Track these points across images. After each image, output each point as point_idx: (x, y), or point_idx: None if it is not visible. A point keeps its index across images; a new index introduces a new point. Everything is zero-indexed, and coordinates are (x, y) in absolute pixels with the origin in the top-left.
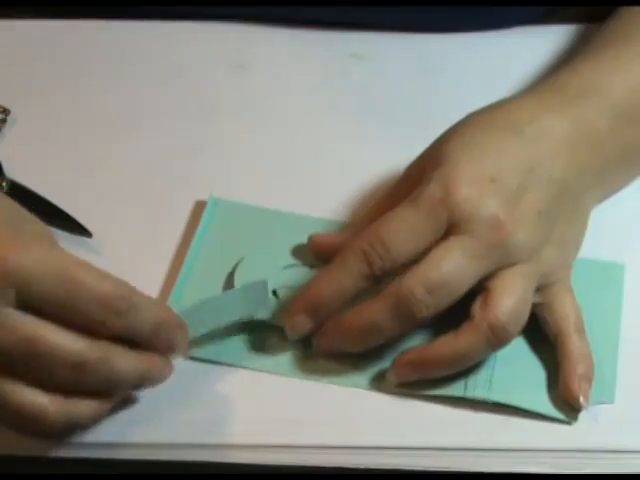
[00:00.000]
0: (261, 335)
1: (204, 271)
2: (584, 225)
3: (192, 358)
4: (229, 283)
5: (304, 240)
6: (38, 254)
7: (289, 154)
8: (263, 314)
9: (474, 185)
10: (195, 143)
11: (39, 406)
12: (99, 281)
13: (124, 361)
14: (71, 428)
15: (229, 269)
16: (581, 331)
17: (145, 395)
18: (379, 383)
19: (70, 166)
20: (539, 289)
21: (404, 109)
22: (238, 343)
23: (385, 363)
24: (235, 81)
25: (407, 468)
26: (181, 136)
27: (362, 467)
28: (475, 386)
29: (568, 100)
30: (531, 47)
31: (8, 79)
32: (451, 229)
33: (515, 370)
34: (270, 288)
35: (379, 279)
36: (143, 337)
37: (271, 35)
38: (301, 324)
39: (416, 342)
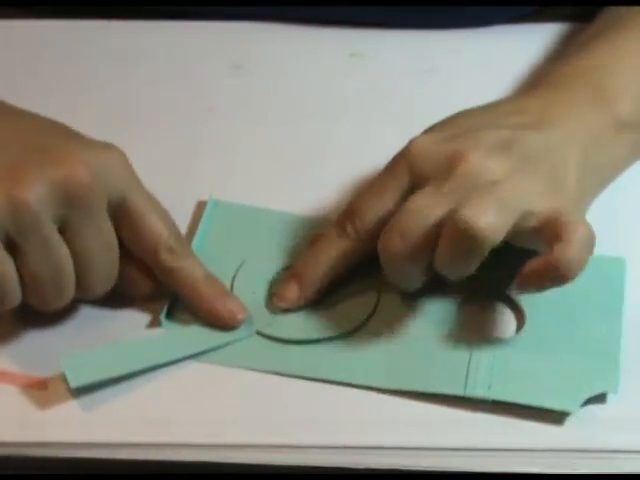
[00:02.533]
0: (261, 336)
1: None
2: (581, 193)
3: (192, 359)
4: (230, 290)
5: (304, 241)
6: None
7: (289, 154)
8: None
9: (433, 139)
10: (195, 143)
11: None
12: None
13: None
14: None
15: (229, 270)
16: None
17: (145, 395)
18: (381, 382)
19: None
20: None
21: (404, 109)
22: (238, 344)
23: (386, 362)
24: (235, 81)
25: (407, 468)
26: (181, 136)
27: (362, 467)
28: (475, 385)
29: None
30: (531, 44)
31: (8, 80)
32: (416, 182)
33: (515, 369)
34: (271, 290)
35: (357, 240)
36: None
37: (271, 35)
38: (289, 291)
39: (414, 333)
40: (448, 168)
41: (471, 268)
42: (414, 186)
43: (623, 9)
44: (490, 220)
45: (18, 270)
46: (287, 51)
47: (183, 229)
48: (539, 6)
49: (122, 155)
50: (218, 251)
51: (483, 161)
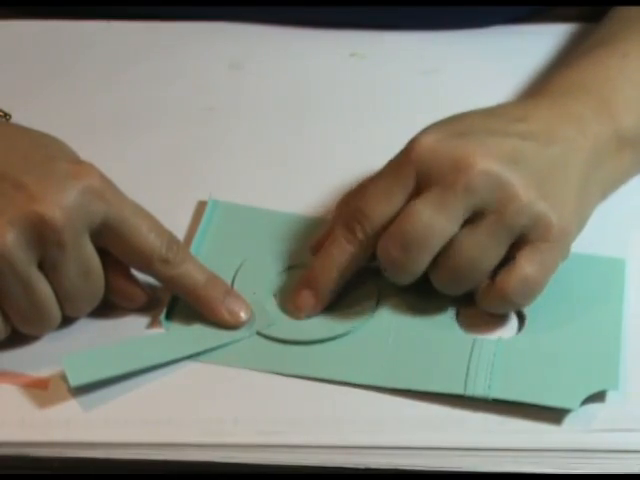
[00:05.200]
0: (261, 337)
1: None
2: (583, 203)
3: (192, 359)
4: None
5: (304, 241)
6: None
7: (289, 154)
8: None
9: (439, 138)
10: (195, 143)
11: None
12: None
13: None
14: None
15: (229, 270)
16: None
17: (145, 395)
18: (381, 381)
19: None
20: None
21: (404, 109)
22: (238, 344)
23: (386, 361)
24: (235, 81)
25: (407, 468)
26: (181, 136)
27: (362, 467)
28: (475, 384)
29: (559, 97)
30: (531, 45)
31: (8, 81)
32: (422, 183)
33: (515, 368)
34: (271, 291)
35: (367, 244)
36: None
37: (271, 35)
38: (305, 299)
39: (414, 333)
40: (454, 172)
41: (469, 287)
42: (419, 187)
43: (634, 10)
44: (484, 251)
45: (2, 306)
46: (287, 51)
47: (183, 229)
48: (540, 6)
49: (97, 177)
50: (218, 251)
51: (489, 173)
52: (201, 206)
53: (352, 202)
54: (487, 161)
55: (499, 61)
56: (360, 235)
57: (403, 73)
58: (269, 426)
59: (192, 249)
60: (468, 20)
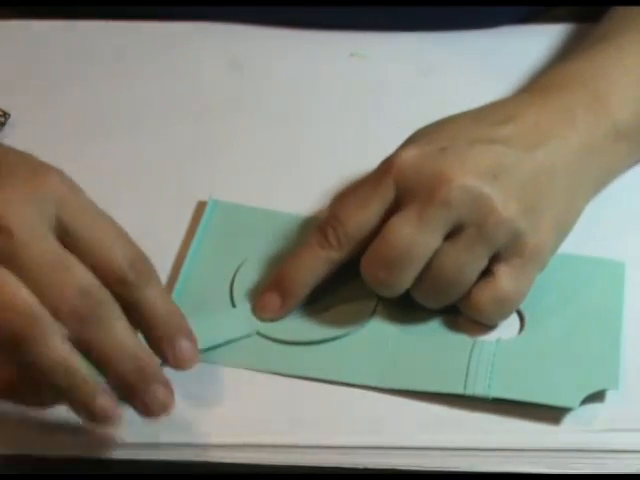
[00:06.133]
0: (261, 337)
1: (204, 273)
2: (568, 208)
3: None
4: (230, 290)
5: (304, 241)
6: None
7: (289, 154)
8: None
9: (420, 153)
10: (194, 143)
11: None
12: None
13: (121, 325)
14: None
15: (229, 270)
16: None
17: None
18: (380, 382)
19: (70, 168)
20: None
21: (404, 109)
22: (238, 344)
23: (386, 362)
24: (234, 81)
25: (407, 468)
26: (181, 136)
27: (361, 467)
28: (474, 383)
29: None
30: (533, 45)
31: (8, 80)
32: (401, 198)
33: (515, 368)
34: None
35: (339, 250)
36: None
37: (270, 35)
38: (269, 301)
39: (414, 333)
40: (433, 187)
41: (449, 301)
42: (398, 201)
43: (631, 10)
44: (464, 265)
45: None
46: (287, 51)
47: (183, 229)
48: (543, 6)
49: (56, 182)
50: (218, 251)
51: (467, 188)
52: (201, 206)
53: (329, 209)
54: (466, 176)
55: (499, 61)
56: (333, 240)
57: (403, 73)
58: (269, 426)
59: (192, 249)
60: (468, 20)
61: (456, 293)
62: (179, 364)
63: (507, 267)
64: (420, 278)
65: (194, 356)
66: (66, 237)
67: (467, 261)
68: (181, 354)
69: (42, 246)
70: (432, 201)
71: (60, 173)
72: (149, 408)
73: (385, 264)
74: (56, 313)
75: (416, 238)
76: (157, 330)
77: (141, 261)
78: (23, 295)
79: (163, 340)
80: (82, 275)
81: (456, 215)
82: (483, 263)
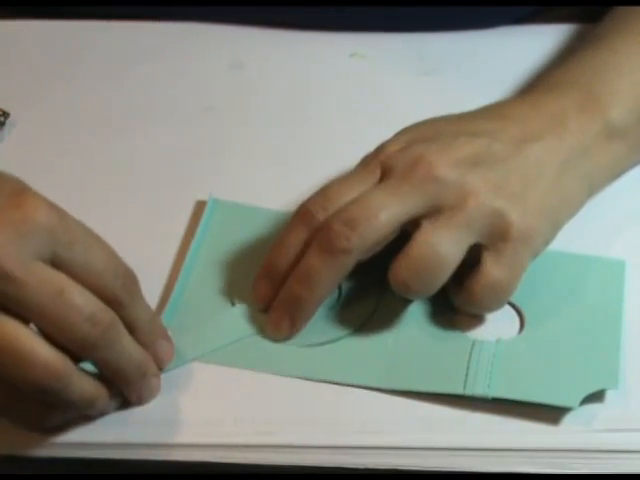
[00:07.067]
0: (261, 337)
1: (204, 273)
2: (561, 199)
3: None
4: (230, 289)
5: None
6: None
7: (289, 154)
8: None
9: (407, 140)
10: (195, 143)
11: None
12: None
13: (127, 340)
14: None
15: (229, 270)
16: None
17: None
18: (381, 382)
19: (70, 168)
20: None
21: (404, 109)
22: (238, 344)
23: (386, 362)
24: (235, 81)
25: (407, 468)
26: (181, 136)
27: (361, 467)
28: (474, 383)
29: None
30: (533, 45)
31: (7, 80)
32: (383, 177)
33: (514, 368)
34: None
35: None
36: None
37: (270, 35)
38: (262, 288)
39: (413, 334)
40: (413, 166)
41: (431, 287)
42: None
43: (629, 10)
44: (442, 245)
45: None
46: (287, 51)
47: (183, 229)
48: (542, 6)
49: (40, 208)
50: (218, 251)
51: (446, 174)
52: (201, 206)
53: (318, 191)
54: (446, 161)
55: (499, 61)
56: (320, 216)
57: (403, 73)
58: (269, 426)
59: (192, 248)
60: (468, 20)
61: (436, 277)
62: (160, 365)
63: (492, 252)
64: (397, 259)
65: (171, 355)
66: (61, 266)
67: (446, 241)
68: (162, 355)
69: (40, 281)
70: (409, 177)
71: (44, 199)
72: (142, 399)
73: (346, 219)
74: (69, 344)
75: (387, 204)
76: (141, 336)
77: (130, 278)
78: (43, 351)
79: (146, 344)
80: (85, 302)
81: (434, 195)
82: (463, 247)
